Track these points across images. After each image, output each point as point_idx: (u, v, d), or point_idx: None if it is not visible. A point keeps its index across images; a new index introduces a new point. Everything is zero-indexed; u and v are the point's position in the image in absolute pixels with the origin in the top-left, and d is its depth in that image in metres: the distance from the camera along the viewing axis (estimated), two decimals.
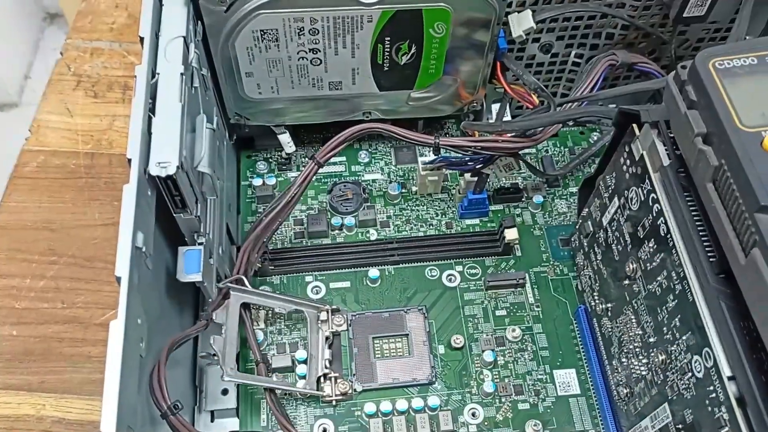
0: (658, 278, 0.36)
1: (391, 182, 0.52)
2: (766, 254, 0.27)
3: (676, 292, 0.34)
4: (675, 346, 0.34)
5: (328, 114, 0.50)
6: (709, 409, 0.32)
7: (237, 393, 0.44)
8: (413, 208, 0.52)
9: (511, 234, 0.48)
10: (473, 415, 0.44)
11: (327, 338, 0.45)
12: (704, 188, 0.32)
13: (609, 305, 0.42)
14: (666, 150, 0.35)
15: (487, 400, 0.44)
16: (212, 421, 0.44)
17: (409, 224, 0.51)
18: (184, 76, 0.36)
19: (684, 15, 0.43)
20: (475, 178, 0.49)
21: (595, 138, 0.55)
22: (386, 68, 0.45)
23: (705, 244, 0.33)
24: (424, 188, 0.51)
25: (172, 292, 0.39)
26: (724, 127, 0.30)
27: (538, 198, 0.51)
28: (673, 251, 0.34)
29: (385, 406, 0.43)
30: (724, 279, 0.32)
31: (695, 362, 0.33)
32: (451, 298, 0.48)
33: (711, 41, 0.50)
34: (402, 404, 0.43)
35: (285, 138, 0.49)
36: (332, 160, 0.52)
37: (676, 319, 0.34)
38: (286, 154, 0.51)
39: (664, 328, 0.35)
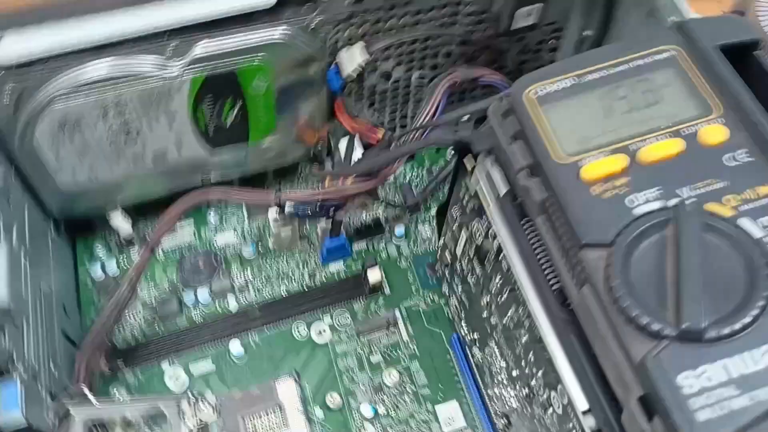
0: (509, 312, 0.34)
1: (246, 243, 0.49)
2: (594, 292, 0.26)
3: (526, 327, 0.33)
4: (534, 381, 0.33)
5: (174, 183, 0.45)
6: None
7: None
8: (272, 265, 0.49)
9: (373, 275, 0.46)
10: None
11: (195, 430, 0.42)
12: (536, 223, 0.31)
13: (476, 335, 0.41)
14: (502, 178, 0.34)
15: None
16: None
17: (270, 284, 0.48)
18: None
19: (513, 28, 0.42)
20: (328, 224, 0.47)
21: (452, 154, 0.54)
22: (213, 130, 0.42)
23: (547, 274, 0.31)
24: (281, 243, 0.48)
25: None
26: (544, 161, 0.29)
27: (399, 230, 0.50)
28: (517, 285, 0.33)
29: None
30: (570, 309, 0.31)
31: (553, 398, 0.32)
32: (323, 354, 0.45)
33: (554, 40, 0.49)
34: None
35: (118, 220, 0.45)
36: (179, 230, 0.49)
37: (531, 354, 0.33)
38: (127, 237, 0.47)
39: (523, 362, 0.34)
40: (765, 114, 0.27)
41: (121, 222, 0.45)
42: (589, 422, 0.28)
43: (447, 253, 0.43)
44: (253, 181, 0.47)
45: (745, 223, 0.26)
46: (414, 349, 0.46)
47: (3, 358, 0.33)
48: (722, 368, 0.23)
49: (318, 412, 0.43)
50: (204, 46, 0.37)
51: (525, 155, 0.30)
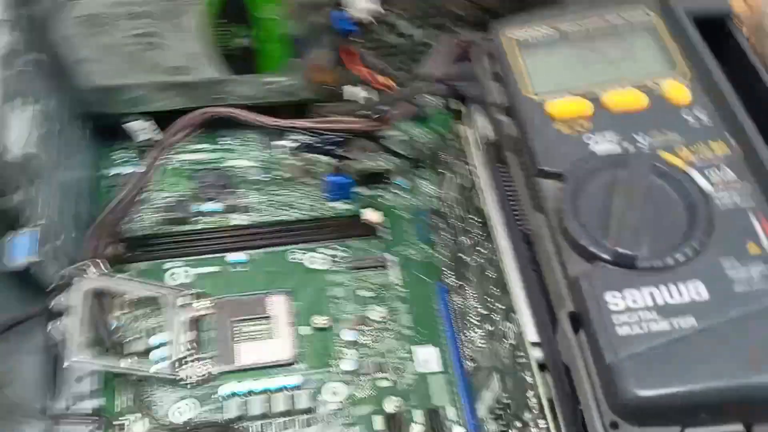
0: (482, 251, 0.36)
1: (256, 167, 0.52)
2: (545, 217, 0.28)
3: (495, 264, 0.35)
4: (496, 315, 0.35)
5: (189, 101, 0.49)
6: (520, 374, 0.33)
7: (93, 378, 0.43)
8: (280, 192, 0.52)
9: (371, 214, 0.48)
10: (334, 393, 0.44)
11: (186, 322, 0.45)
12: (508, 158, 0.33)
13: (457, 281, 0.43)
14: (486, 123, 0.36)
15: (348, 378, 0.45)
16: (68, 409, 0.44)
17: (275, 209, 0.51)
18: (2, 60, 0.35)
19: None
20: (336, 161, 0.49)
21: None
22: (226, 52, 0.45)
23: (516, 213, 0.33)
24: (290, 172, 0.51)
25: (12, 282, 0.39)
26: (515, 96, 0.31)
27: (401, 180, 0.52)
28: (490, 223, 0.35)
29: (243, 387, 0.43)
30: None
31: (509, 329, 0.34)
32: (316, 281, 0.48)
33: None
34: (259, 385, 0.43)
35: (136, 125, 0.48)
36: (198, 146, 0.53)
37: (496, 290, 0.35)
38: (146, 140, 0.50)
39: (489, 300, 0.36)
40: (727, 82, 0.29)
41: (140, 127, 0.48)
42: (536, 354, 0.30)
43: (439, 201, 0.45)
44: (268, 112, 0.50)
45: (695, 174, 0.28)
46: (403, 292, 0.48)
47: (16, 213, 0.37)
48: (649, 294, 0.25)
49: (303, 330, 0.46)
50: None
51: (501, 93, 0.32)
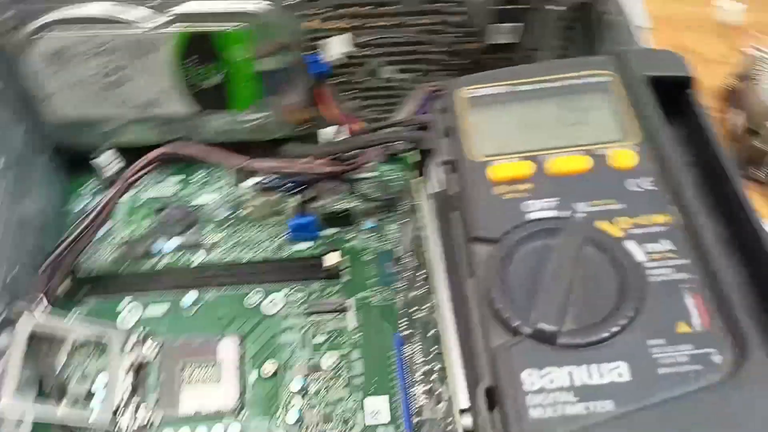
0: (426, 305, 0.35)
1: (223, 205, 0.52)
2: (475, 284, 0.27)
3: (434, 321, 0.34)
4: (434, 375, 0.34)
5: (160, 135, 0.49)
6: None
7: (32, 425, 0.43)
8: (244, 232, 0.51)
9: (330, 259, 0.47)
10: None
11: (131, 366, 0.44)
12: (452, 217, 0.32)
13: (409, 331, 0.42)
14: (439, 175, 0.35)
15: (293, 429, 0.43)
16: None
17: (238, 248, 0.50)
18: None
19: (494, 42, 0.43)
20: (302, 202, 0.49)
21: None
22: (197, 90, 0.45)
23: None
24: (254, 212, 0.51)
25: None
26: (459, 156, 0.30)
27: (368, 223, 0.51)
28: (433, 278, 0.34)
29: None
30: None
31: (443, 392, 0.32)
32: (270, 325, 0.47)
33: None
34: None
35: (104, 159, 0.48)
36: (165, 181, 0.53)
37: (435, 348, 0.34)
38: (111, 175, 0.50)
39: (430, 356, 0.35)
40: (675, 151, 0.28)
41: (107, 160, 0.48)
42: (465, 421, 0.29)
43: (400, 248, 0.44)
44: (240, 151, 0.50)
45: (631, 245, 0.27)
46: (358, 339, 0.47)
47: None
48: (567, 374, 0.24)
49: (252, 377, 0.45)
50: (188, 4, 0.40)
51: (449, 150, 0.31)
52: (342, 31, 0.45)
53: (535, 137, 0.31)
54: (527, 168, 0.29)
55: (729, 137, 0.60)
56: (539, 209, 0.28)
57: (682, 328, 0.25)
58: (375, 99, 0.52)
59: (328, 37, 0.46)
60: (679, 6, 0.71)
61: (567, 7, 0.43)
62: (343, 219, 0.51)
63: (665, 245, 0.27)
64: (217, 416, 0.43)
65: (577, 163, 0.29)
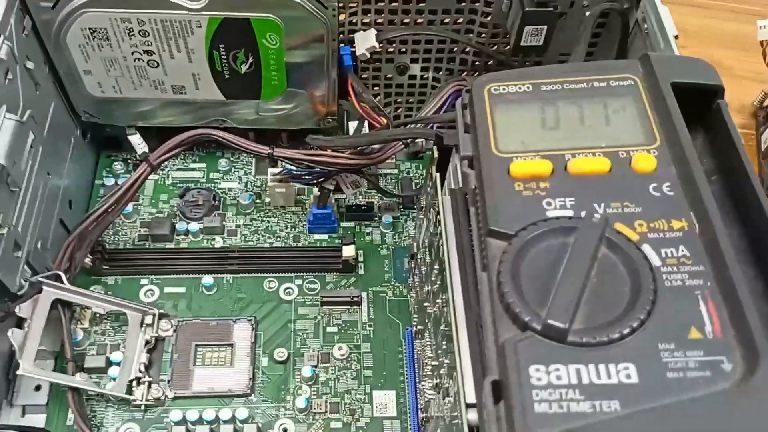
0: (438, 301, 0.36)
1: (245, 192, 0.52)
2: (489, 277, 0.27)
3: (446, 316, 0.34)
4: (443, 369, 0.34)
5: (192, 119, 0.50)
6: None
7: (49, 389, 0.44)
8: (264, 219, 0.52)
9: (347, 251, 0.48)
10: (284, 430, 0.43)
11: (147, 342, 0.45)
12: (470, 212, 0.32)
13: (420, 327, 0.42)
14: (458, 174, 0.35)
15: (301, 416, 0.44)
16: (23, 416, 0.44)
17: (257, 235, 0.51)
18: None
19: (522, 44, 0.43)
20: (323, 193, 0.49)
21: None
22: (227, 76, 0.46)
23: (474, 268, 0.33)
24: (275, 200, 0.51)
25: None
26: (479, 150, 0.31)
27: (387, 218, 0.51)
28: (446, 273, 0.34)
29: (193, 414, 0.42)
30: None
31: (450, 387, 0.32)
32: (285, 312, 0.48)
33: None
34: (210, 414, 0.43)
35: (135, 139, 0.49)
36: (190, 165, 0.54)
37: (445, 342, 0.34)
38: (141, 154, 0.51)
39: (439, 351, 0.35)
40: (697, 159, 0.28)
41: (138, 140, 0.49)
42: (471, 416, 0.29)
43: (415, 244, 0.45)
44: (266, 138, 0.51)
45: (647, 249, 0.26)
46: (370, 332, 0.47)
47: None
48: (575, 371, 0.24)
49: (264, 361, 0.46)
50: None
51: (470, 146, 0.31)
52: (372, 26, 0.46)
53: (557, 137, 0.31)
54: (548, 166, 0.29)
55: (758, 155, 0.60)
56: (557, 208, 0.27)
57: (694, 334, 0.25)
58: (400, 95, 0.52)
59: (358, 31, 0.47)
60: (717, 22, 0.71)
61: (598, 13, 0.43)
62: (362, 212, 0.52)
63: (681, 250, 0.26)
64: (226, 398, 0.44)
65: (597, 164, 0.29)
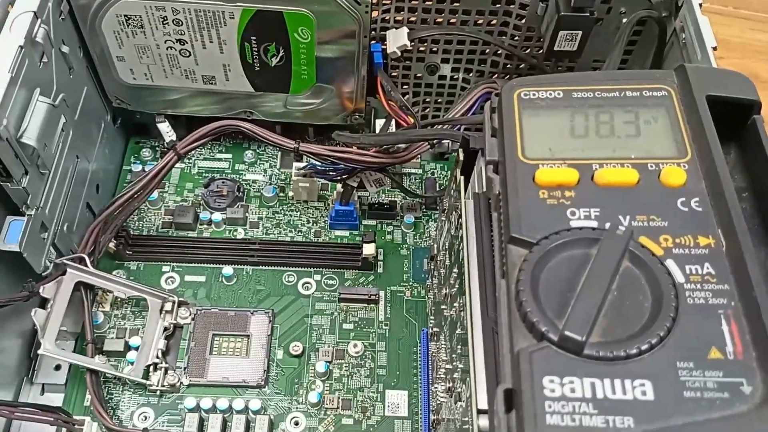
0: (455, 304, 0.35)
1: (269, 185, 0.53)
2: (507, 284, 0.27)
3: (462, 320, 0.34)
4: (456, 374, 0.34)
5: (221, 110, 0.50)
6: None
7: (69, 370, 0.45)
8: (287, 212, 0.52)
9: (368, 249, 0.47)
10: (295, 423, 0.43)
11: (166, 329, 0.45)
12: (493, 217, 0.32)
13: (436, 329, 0.42)
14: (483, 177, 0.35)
15: (313, 410, 0.44)
16: (42, 394, 0.45)
17: (279, 228, 0.51)
18: (23, 50, 0.37)
19: (555, 49, 0.43)
20: (346, 190, 0.49)
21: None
22: (257, 68, 0.46)
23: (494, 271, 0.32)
24: (299, 194, 0.51)
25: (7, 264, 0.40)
26: (506, 156, 0.30)
27: (409, 218, 0.51)
28: (465, 277, 0.34)
29: (206, 402, 0.43)
30: None
31: (463, 391, 0.32)
32: (302, 306, 0.48)
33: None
34: (223, 403, 0.43)
35: (164, 127, 0.50)
36: (216, 156, 0.54)
37: (460, 346, 0.34)
38: (168, 142, 0.52)
39: (454, 355, 0.35)
40: (729, 172, 0.27)
41: (167, 128, 0.50)
42: (482, 422, 0.29)
43: (435, 245, 0.44)
44: (292, 132, 0.51)
45: (671, 264, 0.26)
46: (386, 331, 0.47)
47: (20, 197, 0.38)
48: (589, 385, 0.24)
49: (279, 354, 0.46)
50: None
51: (496, 151, 0.31)
52: (405, 24, 0.46)
53: (586, 145, 0.30)
54: (574, 175, 0.28)
55: None
56: (582, 218, 0.27)
57: (715, 354, 0.24)
58: (429, 95, 0.52)
59: (390, 29, 0.46)
60: (757, 34, 0.69)
61: (635, 20, 0.42)
62: (385, 211, 0.52)
63: (706, 268, 0.26)
64: (240, 389, 0.44)
65: (625, 175, 0.28)
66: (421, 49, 0.48)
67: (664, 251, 0.26)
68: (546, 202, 0.28)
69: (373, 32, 0.47)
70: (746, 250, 0.26)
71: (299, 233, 0.51)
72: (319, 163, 0.48)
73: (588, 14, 0.41)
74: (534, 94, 0.32)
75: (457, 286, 0.35)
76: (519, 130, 0.31)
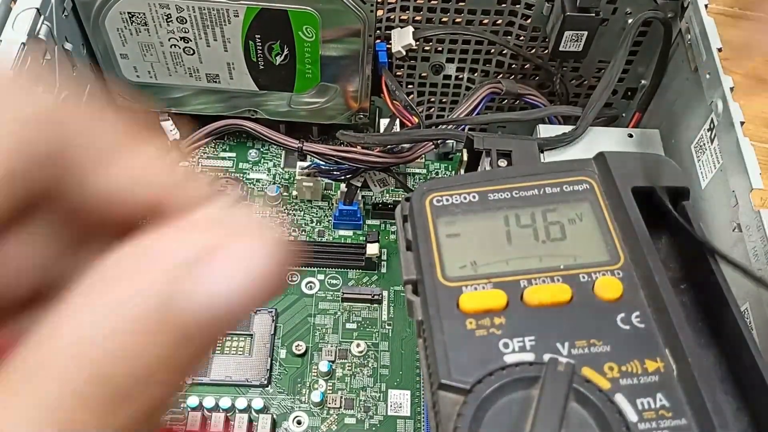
0: None
1: (273, 184, 0.52)
2: None
3: None
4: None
5: (224, 108, 0.50)
6: None
7: None
8: (290, 212, 0.52)
9: (371, 249, 0.47)
10: (298, 422, 0.43)
11: None
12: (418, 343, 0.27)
13: None
14: None
15: (316, 409, 0.44)
16: None
17: (282, 227, 0.51)
18: (25, 47, 0.37)
19: (561, 49, 0.43)
20: (350, 189, 0.49)
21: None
22: (262, 67, 0.46)
23: None
24: (302, 193, 0.51)
25: None
26: (423, 278, 0.26)
27: None
28: None
29: (209, 401, 0.43)
30: None
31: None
32: (305, 305, 0.48)
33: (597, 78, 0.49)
34: (226, 402, 0.43)
35: (167, 125, 0.50)
36: (220, 154, 0.54)
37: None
38: (172, 141, 0.52)
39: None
40: (665, 276, 0.25)
41: (170, 126, 0.50)
42: None
43: None
44: (296, 131, 0.51)
45: (621, 400, 0.23)
46: (389, 331, 0.47)
47: None
48: None
49: (281, 353, 0.46)
50: None
51: (412, 268, 0.27)
52: (410, 23, 0.46)
53: (510, 255, 0.26)
54: (502, 298, 0.25)
55: None
56: (516, 350, 0.23)
57: None
58: (434, 95, 0.52)
59: (395, 28, 0.46)
60: (763, 36, 0.69)
61: (641, 21, 0.42)
62: (389, 211, 0.52)
63: (659, 400, 0.23)
64: (243, 388, 0.44)
65: (557, 293, 0.25)
66: (426, 48, 0.48)
67: (611, 383, 0.23)
68: (475, 334, 0.24)
69: (378, 31, 0.47)
70: (699, 376, 0.23)
71: (303, 233, 0.51)
72: (323, 163, 0.48)
73: (593, 14, 0.41)
74: (447, 200, 0.28)
75: None
76: (435, 243, 0.27)
